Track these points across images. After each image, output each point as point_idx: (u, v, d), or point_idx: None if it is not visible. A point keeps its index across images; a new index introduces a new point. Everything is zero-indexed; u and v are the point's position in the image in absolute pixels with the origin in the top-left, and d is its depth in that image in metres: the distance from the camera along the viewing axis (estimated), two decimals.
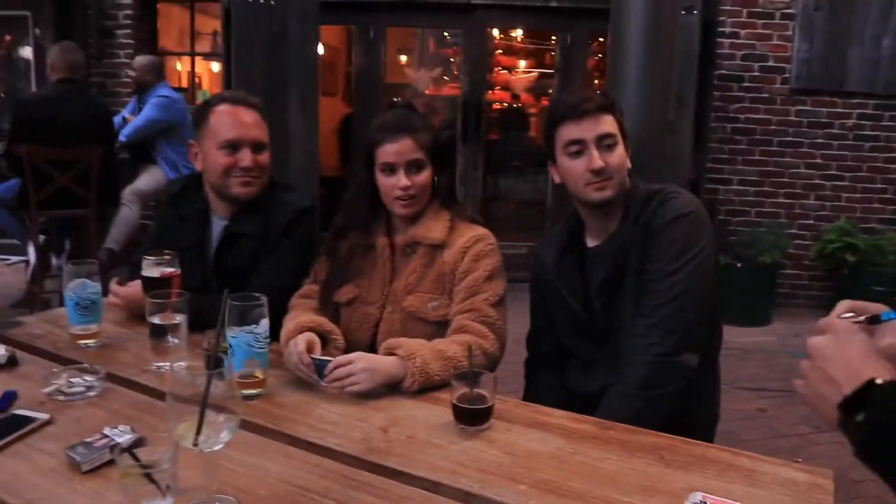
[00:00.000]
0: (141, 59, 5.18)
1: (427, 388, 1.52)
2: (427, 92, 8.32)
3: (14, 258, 6.04)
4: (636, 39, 2.18)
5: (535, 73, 7.57)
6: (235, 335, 1.46)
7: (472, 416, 1.35)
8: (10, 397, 1.44)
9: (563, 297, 1.82)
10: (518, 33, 7.66)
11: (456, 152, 6.09)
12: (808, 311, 5.19)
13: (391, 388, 1.53)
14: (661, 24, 2.19)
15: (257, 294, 1.50)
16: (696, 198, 1.73)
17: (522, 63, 7.79)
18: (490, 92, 7.49)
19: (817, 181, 5.44)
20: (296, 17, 5.14)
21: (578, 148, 1.69)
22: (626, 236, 1.70)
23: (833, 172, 5.42)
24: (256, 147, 1.97)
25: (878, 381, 0.78)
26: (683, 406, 1.65)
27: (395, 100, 1.95)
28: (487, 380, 1.37)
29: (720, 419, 1.89)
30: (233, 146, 1.94)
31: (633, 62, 2.17)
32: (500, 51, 7.76)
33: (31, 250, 4.40)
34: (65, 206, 4.20)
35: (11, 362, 1.64)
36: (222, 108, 1.96)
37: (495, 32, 7.31)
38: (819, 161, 5.42)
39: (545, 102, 7.11)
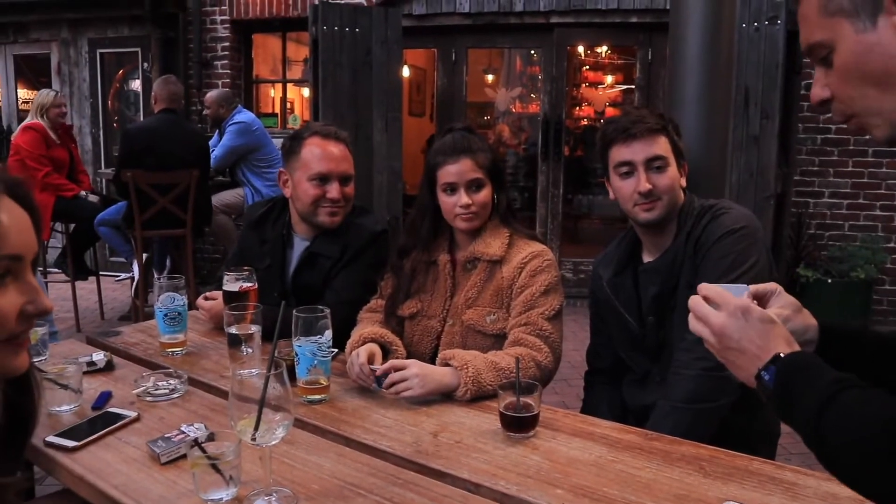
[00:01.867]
0: (211, 95, 5.51)
1: (479, 398, 1.60)
2: (513, 110, 8.43)
3: (122, 275, 6.51)
4: (694, 54, 2.18)
5: (617, 89, 7.54)
6: (301, 344, 1.58)
7: (518, 424, 1.41)
8: (106, 397, 1.62)
9: (620, 313, 1.86)
10: (603, 49, 7.66)
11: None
12: None
13: (445, 396, 1.61)
14: (719, 38, 2.19)
15: (322, 307, 1.62)
16: (749, 213, 1.74)
17: (609, 78, 7.78)
18: (576, 109, 7.53)
19: None
20: (380, 43, 5.37)
21: (628, 169, 1.74)
22: (678, 252, 1.73)
23: None
24: (344, 180, 2.09)
25: (782, 354, 0.96)
26: (739, 421, 1.65)
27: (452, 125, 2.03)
28: (534, 389, 1.44)
29: (783, 434, 1.86)
30: (323, 178, 2.06)
31: (692, 77, 2.17)
32: (587, 67, 7.78)
33: (136, 267, 4.75)
34: (165, 227, 4.52)
35: (109, 366, 1.82)
36: (314, 142, 2.09)
37: (580, 49, 7.35)
38: None
39: None
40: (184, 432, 1.37)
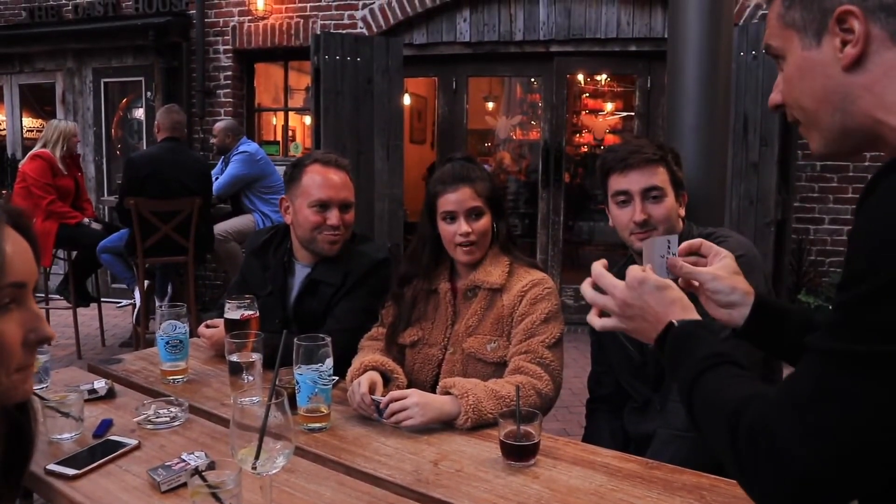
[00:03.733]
0: (219, 125, 5.61)
1: (480, 426, 1.60)
2: (514, 137, 8.49)
3: (124, 301, 6.52)
4: (692, 83, 2.21)
5: (617, 116, 7.60)
6: (302, 373, 1.59)
7: (518, 453, 1.41)
8: (107, 425, 1.62)
9: (620, 341, 1.86)
10: (603, 77, 7.73)
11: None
12: None
13: (446, 424, 1.61)
14: (717, 67, 2.22)
15: (323, 335, 1.62)
16: (747, 241, 1.75)
17: (609, 106, 7.85)
18: (576, 136, 7.58)
19: None
20: (381, 72, 5.43)
21: (625, 198, 1.76)
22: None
23: None
24: (344, 207, 2.11)
25: (675, 322, 1.04)
26: None
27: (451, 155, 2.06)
28: (534, 418, 1.44)
29: None
30: (323, 205, 2.08)
31: (690, 106, 2.20)
32: (587, 94, 7.85)
33: (137, 294, 4.76)
34: (167, 254, 4.54)
35: (110, 394, 1.82)
36: (314, 169, 2.11)
37: (580, 77, 7.42)
38: None
39: None
40: (184, 460, 1.37)
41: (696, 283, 1.21)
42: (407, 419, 1.58)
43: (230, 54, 6.54)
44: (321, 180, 2.09)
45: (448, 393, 1.65)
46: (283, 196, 2.21)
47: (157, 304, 5.28)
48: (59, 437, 1.54)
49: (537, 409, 1.68)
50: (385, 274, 2.15)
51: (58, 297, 5.42)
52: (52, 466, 1.39)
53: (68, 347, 5.30)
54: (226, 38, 6.52)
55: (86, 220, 5.08)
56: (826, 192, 5.35)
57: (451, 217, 1.88)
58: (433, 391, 1.72)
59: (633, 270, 1.10)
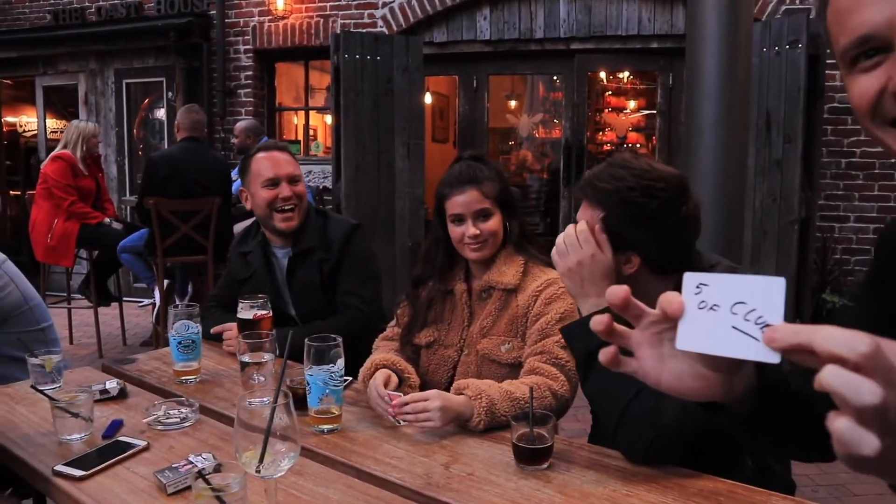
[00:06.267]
0: (240, 125, 5.62)
1: (494, 428, 1.57)
2: (536, 135, 8.44)
3: (145, 301, 6.57)
4: (711, 79, 2.16)
5: (639, 114, 7.52)
6: (313, 373, 1.56)
7: (531, 456, 1.38)
8: (117, 425, 1.61)
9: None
10: (625, 75, 7.65)
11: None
12: None
13: (459, 426, 1.58)
14: (736, 62, 2.17)
15: (334, 335, 1.60)
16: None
17: (631, 104, 7.76)
18: (599, 134, 7.51)
19: None
20: (401, 70, 5.41)
21: None
22: None
23: None
24: (292, 180, 2.30)
25: None
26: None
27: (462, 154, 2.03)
28: (548, 420, 1.40)
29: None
30: (273, 182, 2.28)
31: (709, 102, 2.14)
32: (609, 92, 7.78)
33: (157, 293, 4.78)
34: (187, 253, 4.56)
35: (122, 394, 1.82)
36: (259, 156, 2.34)
37: (602, 75, 7.35)
38: None
39: (655, 141, 7.05)
40: (191, 462, 1.35)
41: None
42: (427, 422, 1.54)
43: (251, 54, 6.57)
44: (267, 162, 2.31)
45: (462, 394, 1.61)
46: (241, 188, 2.41)
47: (176, 303, 5.32)
48: (68, 437, 1.53)
49: (552, 410, 1.65)
50: (364, 236, 2.38)
51: (79, 296, 5.47)
52: (59, 467, 1.38)
53: (90, 346, 5.36)
54: (246, 38, 6.55)
55: (107, 220, 5.12)
56: (851, 190, 5.24)
57: (459, 219, 1.85)
58: (449, 391, 1.69)
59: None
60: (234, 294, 2.24)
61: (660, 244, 1.44)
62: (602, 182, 1.47)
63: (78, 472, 1.36)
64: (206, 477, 1.11)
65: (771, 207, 4.71)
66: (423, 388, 1.84)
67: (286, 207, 2.28)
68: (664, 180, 1.43)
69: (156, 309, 4.91)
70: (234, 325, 2.09)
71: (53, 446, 1.52)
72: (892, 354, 0.53)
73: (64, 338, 5.64)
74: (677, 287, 0.83)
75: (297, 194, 2.30)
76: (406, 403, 1.57)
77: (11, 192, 7.79)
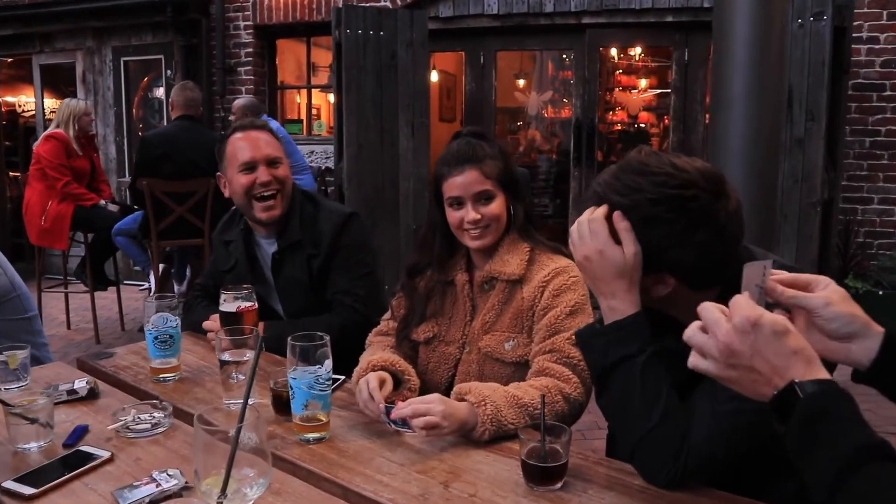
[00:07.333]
0: (238, 102, 5.41)
1: (500, 437, 1.39)
2: (545, 115, 8.23)
3: (146, 284, 6.43)
4: (742, 51, 1.96)
5: (651, 92, 7.29)
6: (296, 377, 1.39)
7: (543, 475, 1.21)
8: (80, 432, 1.44)
9: None
10: (637, 52, 7.42)
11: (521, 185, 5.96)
12: None
13: (461, 436, 1.41)
14: (769, 33, 1.96)
15: (321, 334, 1.43)
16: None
17: (643, 82, 7.54)
18: (610, 113, 7.29)
19: None
20: (405, 46, 5.20)
21: None
22: None
23: None
24: (271, 162, 2.07)
25: (797, 382, 0.83)
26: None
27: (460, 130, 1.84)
28: (562, 433, 1.23)
29: None
30: (249, 167, 2.05)
31: (739, 76, 1.95)
32: (621, 70, 7.55)
33: (152, 278, 4.63)
34: (182, 236, 4.39)
35: (92, 394, 1.65)
36: (234, 137, 2.11)
37: (613, 52, 7.12)
38: None
39: (667, 122, 6.83)
40: (155, 480, 1.19)
41: (801, 312, 0.98)
42: (432, 428, 1.36)
43: (251, 30, 6.36)
44: (242, 144, 2.08)
45: (463, 400, 1.44)
46: (218, 174, 2.18)
47: (176, 288, 5.17)
48: (24, 446, 1.37)
49: (565, 415, 1.48)
50: (358, 226, 2.14)
51: (76, 280, 5.32)
52: (7, 484, 1.22)
53: (87, 332, 5.22)
54: (246, 13, 6.34)
55: (102, 202, 4.96)
56: (875, 170, 5.02)
57: (458, 202, 1.67)
58: (448, 394, 1.52)
59: (743, 307, 0.87)
60: (220, 283, 2.07)
61: (697, 262, 1.17)
62: (617, 195, 1.20)
63: (28, 490, 1.20)
64: None
65: (792, 189, 4.51)
66: (422, 388, 1.67)
67: (266, 194, 2.05)
68: (694, 184, 1.15)
69: (151, 294, 4.76)
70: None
71: (8, 457, 1.36)
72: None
73: (61, 322, 5.52)
74: (722, 296, 0.94)
75: (278, 178, 2.06)
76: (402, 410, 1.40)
77: (11, 174, 7.63)
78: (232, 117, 5.48)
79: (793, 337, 0.85)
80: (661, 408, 1.18)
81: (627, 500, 1.17)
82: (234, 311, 1.80)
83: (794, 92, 4.40)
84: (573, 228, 1.28)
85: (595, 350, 1.27)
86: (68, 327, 5.44)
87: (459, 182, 1.65)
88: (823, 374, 0.84)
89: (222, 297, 1.82)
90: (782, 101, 4.27)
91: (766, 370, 0.85)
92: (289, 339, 1.40)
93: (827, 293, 0.96)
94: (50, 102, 7.31)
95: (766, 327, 0.84)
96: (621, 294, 1.22)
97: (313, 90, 7.19)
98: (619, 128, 7.45)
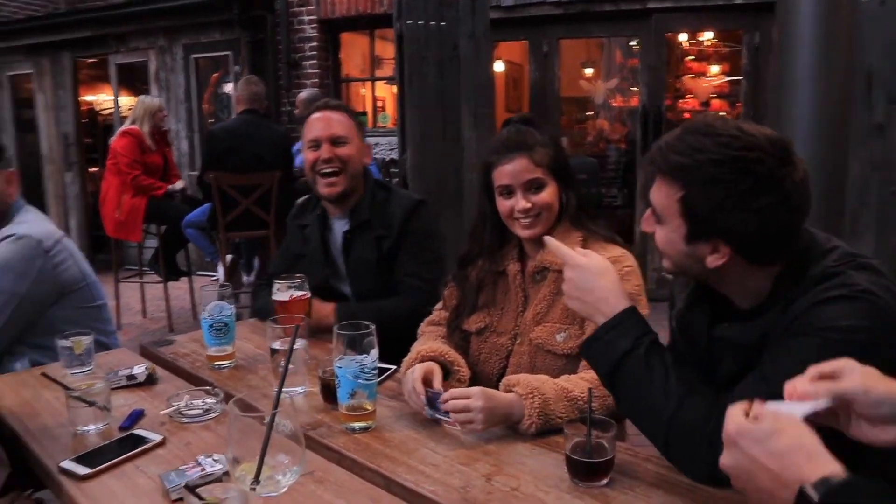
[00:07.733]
0: (302, 95, 5.49)
1: (548, 431, 1.36)
2: (613, 104, 8.06)
3: (216, 275, 6.61)
4: (807, 31, 1.85)
5: (723, 79, 7.04)
6: (342, 365, 1.39)
7: (587, 471, 1.17)
8: (136, 416, 1.49)
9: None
10: (707, 36, 7.18)
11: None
12: None
13: (508, 427, 1.38)
14: (836, 12, 1.85)
15: (367, 322, 1.42)
16: (882, 302, 1.09)
17: (714, 68, 7.29)
18: (679, 100, 7.09)
19: None
20: (467, 37, 5.16)
21: None
22: (770, 325, 1.17)
23: None
24: (335, 141, 2.12)
25: (810, 490, 0.75)
26: None
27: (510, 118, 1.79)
28: (609, 428, 1.19)
29: None
30: (315, 144, 2.12)
31: (804, 57, 1.84)
32: (690, 56, 7.32)
33: (220, 268, 4.75)
34: (249, 228, 4.49)
35: (150, 380, 1.70)
36: (314, 116, 2.18)
37: (681, 38, 6.91)
38: None
39: (740, 108, 6.58)
40: (200, 465, 1.21)
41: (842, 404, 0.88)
42: (467, 423, 1.35)
43: (315, 24, 6.44)
44: (315, 122, 2.16)
45: (511, 391, 1.41)
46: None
47: (245, 278, 5.30)
48: (83, 428, 1.42)
49: (614, 411, 1.43)
50: (428, 213, 2.19)
51: (150, 270, 5.52)
52: (65, 464, 1.26)
53: (161, 320, 5.41)
54: (310, 7, 6.42)
55: (170, 187, 5.09)
56: None
57: (508, 191, 1.63)
58: (498, 385, 1.49)
59: (732, 417, 0.84)
60: (290, 269, 2.08)
61: (758, 230, 1.10)
62: (679, 154, 1.14)
63: (83, 470, 1.24)
64: (198, 490, 0.95)
65: (871, 177, 4.28)
66: (472, 379, 1.65)
67: (327, 171, 2.10)
68: (760, 148, 1.09)
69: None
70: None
71: (68, 438, 1.41)
72: None
73: (137, 311, 5.74)
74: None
75: (340, 157, 2.11)
76: (447, 401, 1.38)
77: (90, 170, 7.96)
78: (296, 111, 5.56)
79: (783, 436, 0.79)
80: (675, 396, 1.14)
81: (676, 498, 1.13)
82: (287, 299, 1.82)
83: (872, 74, 4.16)
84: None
85: (597, 357, 1.26)
86: (144, 316, 5.66)
87: (509, 170, 1.62)
88: (830, 467, 0.77)
89: (275, 286, 1.85)
90: (855, 83, 4.07)
91: (769, 481, 0.80)
92: (335, 328, 1.40)
93: (860, 378, 0.86)
94: (126, 100, 7.58)
95: (748, 434, 0.80)
96: (607, 296, 1.27)
97: (379, 83, 7.23)
98: (689, 115, 7.23)
